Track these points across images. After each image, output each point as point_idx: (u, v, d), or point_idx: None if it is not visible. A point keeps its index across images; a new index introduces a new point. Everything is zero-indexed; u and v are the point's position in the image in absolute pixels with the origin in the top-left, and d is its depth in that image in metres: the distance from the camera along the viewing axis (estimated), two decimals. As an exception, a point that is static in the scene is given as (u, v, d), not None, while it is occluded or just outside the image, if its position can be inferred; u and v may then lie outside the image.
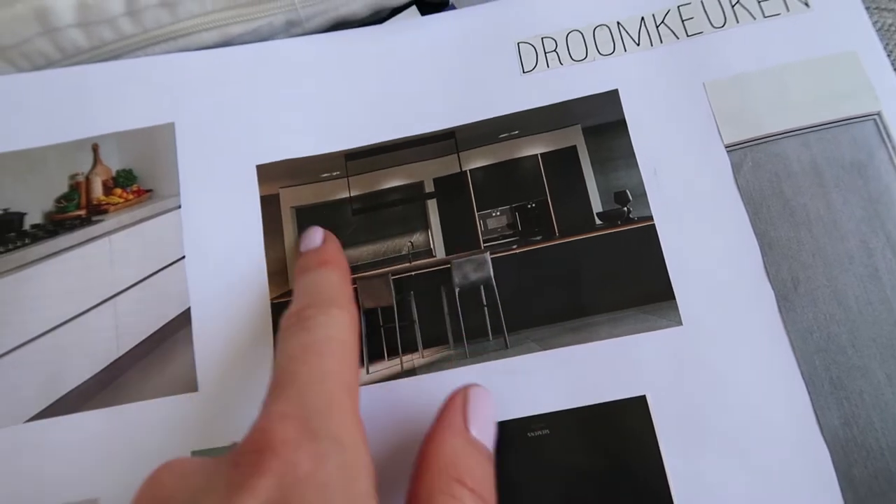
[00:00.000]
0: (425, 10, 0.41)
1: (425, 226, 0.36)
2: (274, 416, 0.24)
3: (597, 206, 0.35)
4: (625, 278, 0.34)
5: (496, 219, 0.36)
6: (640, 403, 0.31)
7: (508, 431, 0.32)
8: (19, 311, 0.35)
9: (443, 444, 0.27)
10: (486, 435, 0.28)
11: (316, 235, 0.34)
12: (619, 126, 0.36)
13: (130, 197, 0.37)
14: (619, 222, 0.35)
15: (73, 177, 0.37)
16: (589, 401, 0.32)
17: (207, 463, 0.25)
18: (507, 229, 0.36)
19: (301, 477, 0.22)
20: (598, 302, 0.33)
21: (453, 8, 0.41)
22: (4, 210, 0.36)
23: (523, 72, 0.38)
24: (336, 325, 0.28)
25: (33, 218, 0.37)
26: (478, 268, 0.35)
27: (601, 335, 0.32)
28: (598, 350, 0.32)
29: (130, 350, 0.34)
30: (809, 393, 0.31)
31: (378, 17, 0.42)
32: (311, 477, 0.22)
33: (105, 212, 0.37)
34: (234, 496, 0.22)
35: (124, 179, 0.37)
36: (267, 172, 0.37)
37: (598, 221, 0.35)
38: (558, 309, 0.33)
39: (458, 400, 0.29)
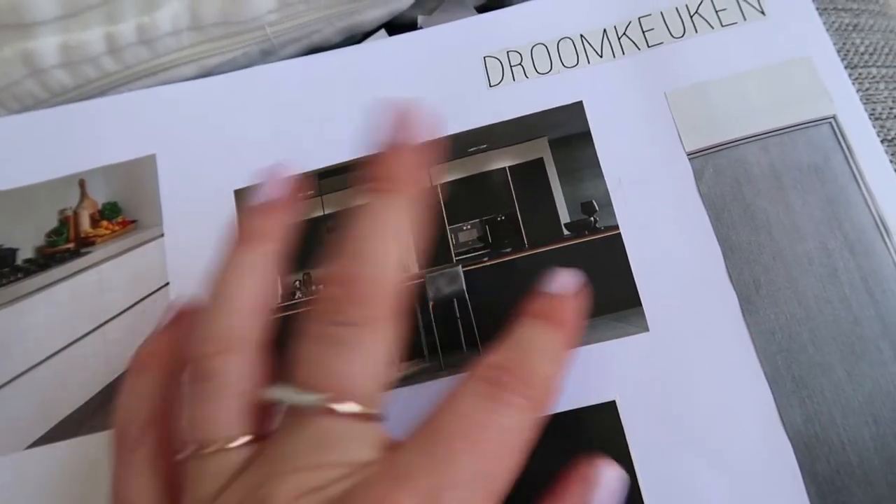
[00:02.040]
0: (393, 32, 0.41)
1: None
2: (406, 490, 0.20)
3: (564, 216, 0.35)
4: (593, 287, 0.34)
5: (467, 232, 0.36)
6: (610, 408, 0.32)
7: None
8: (18, 341, 0.36)
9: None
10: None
11: (564, 280, 0.27)
12: (584, 137, 0.36)
13: (116, 228, 0.38)
14: (587, 232, 0.35)
15: (62, 212, 0.38)
16: (560, 408, 0.32)
17: None
18: (478, 242, 0.36)
19: None
20: (568, 311, 0.33)
21: (421, 29, 0.41)
22: (-2, 246, 0.37)
23: (490, 85, 0.38)
24: (526, 415, 0.23)
25: (25, 253, 0.37)
26: (451, 281, 0.35)
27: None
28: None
29: (122, 374, 0.35)
30: (773, 392, 0.31)
31: (351, 42, 0.42)
32: None
33: (93, 244, 0.37)
34: None
35: (110, 212, 0.38)
36: (245, 196, 0.37)
37: (565, 232, 0.35)
38: (529, 319, 0.33)
39: (587, 479, 0.25)
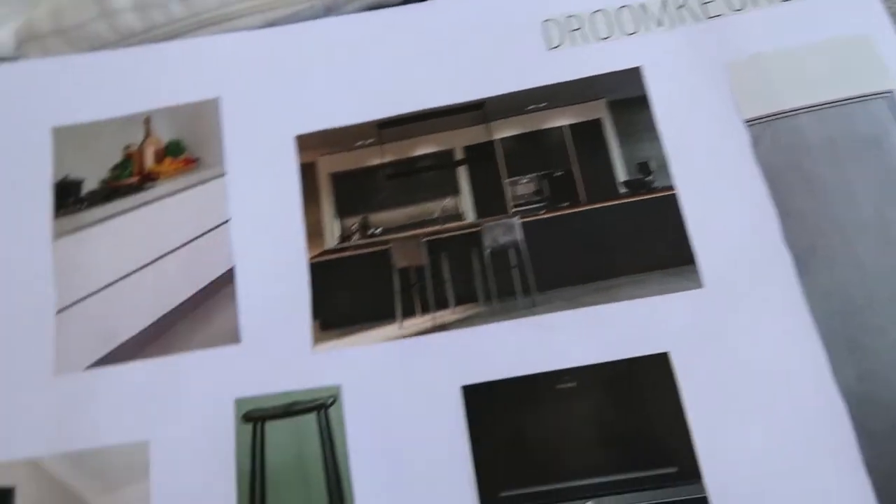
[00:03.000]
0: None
1: (456, 191, 0.37)
2: None
3: (621, 175, 0.35)
4: (647, 243, 0.34)
5: (524, 185, 0.37)
6: (662, 360, 0.32)
7: (538, 384, 0.32)
8: (79, 268, 0.36)
9: None
10: None
11: None
12: (642, 101, 0.36)
13: (179, 165, 0.38)
14: (642, 191, 0.35)
15: (126, 148, 0.38)
16: (614, 356, 0.32)
17: None
18: (535, 196, 0.37)
19: None
20: (623, 265, 0.34)
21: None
22: (64, 177, 0.38)
23: (549, 48, 0.38)
24: None
25: (90, 185, 0.38)
26: (507, 231, 0.35)
27: (625, 295, 0.33)
28: (622, 309, 0.33)
29: (178, 305, 0.35)
30: (826, 350, 0.31)
31: (409, 2, 0.43)
32: None
33: (156, 179, 0.38)
34: None
35: (174, 149, 0.38)
36: (305, 142, 0.37)
37: (622, 190, 0.35)
38: (584, 270, 0.34)
39: None
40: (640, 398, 0.31)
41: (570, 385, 0.32)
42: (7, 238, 0.36)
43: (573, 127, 0.37)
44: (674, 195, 0.34)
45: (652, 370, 0.31)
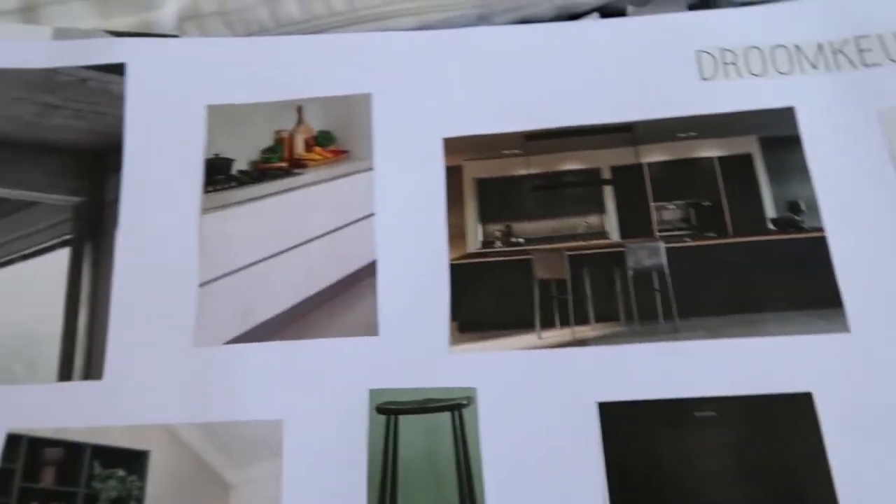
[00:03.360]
0: (605, 17, 0.43)
1: (601, 209, 0.38)
2: None
3: (770, 212, 0.36)
4: (793, 282, 0.34)
5: (671, 211, 0.37)
6: (805, 400, 0.32)
7: (676, 410, 0.32)
8: (223, 244, 0.37)
9: None
10: None
11: None
12: (793, 141, 0.37)
13: (328, 155, 0.39)
14: (791, 230, 0.35)
15: (278, 132, 0.40)
16: (755, 390, 0.32)
17: None
18: (682, 222, 0.37)
19: None
20: (767, 300, 0.34)
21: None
22: (215, 155, 0.39)
23: (702, 78, 0.39)
24: None
25: (240, 165, 0.39)
26: (651, 254, 0.36)
27: (769, 331, 0.33)
28: (766, 344, 0.33)
29: (319, 292, 0.36)
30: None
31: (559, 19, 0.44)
32: None
33: (305, 166, 0.39)
34: None
35: (324, 139, 0.40)
36: (453, 145, 0.38)
37: (770, 226, 0.36)
38: (728, 302, 0.34)
39: None
40: (781, 434, 0.31)
41: (709, 414, 0.32)
42: (159, 208, 0.38)
43: (723, 159, 0.37)
44: (823, 237, 0.35)
45: (794, 408, 0.32)
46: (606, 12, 0.44)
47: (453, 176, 0.38)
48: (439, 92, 0.40)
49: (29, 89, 0.40)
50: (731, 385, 0.33)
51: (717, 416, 0.32)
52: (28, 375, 0.36)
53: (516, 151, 0.38)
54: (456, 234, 0.37)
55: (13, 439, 0.34)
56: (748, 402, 0.32)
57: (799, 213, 0.36)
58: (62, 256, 0.38)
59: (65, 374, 0.36)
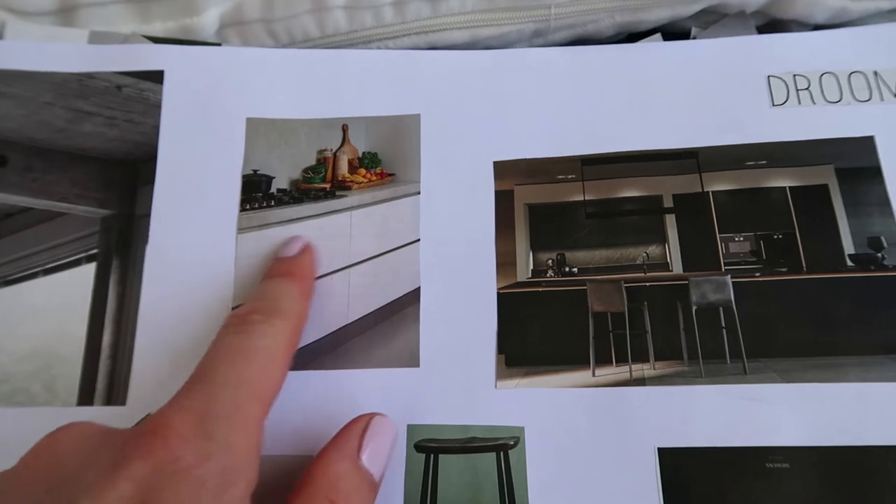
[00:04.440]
0: (668, 38, 0.42)
1: (662, 239, 0.37)
2: (176, 407, 0.25)
3: (848, 247, 0.35)
4: (876, 324, 0.33)
5: (739, 244, 0.36)
6: (891, 454, 0.30)
7: (745, 459, 0.31)
8: (259, 267, 0.37)
9: (329, 463, 0.27)
10: (375, 465, 0.28)
11: (294, 245, 0.35)
12: (874, 172, 0.35)
13: (373, 178, 0.39)
14: (873, 267, 0.34)
15: (321, 152, 0.39)
16: (836, 442, 0.31)
17: (106, 434, 0.25)
18: (751, 256, 0.36)
19: (179, 469, 0.23)
20: (847, 343, 0.32)
21: (695, 40, 0.42)
22: (254, 171, 0.38)
23: (773, 105, 0.38)
24: (273, 335, 0.29)
25: (280, 183, 0.39)
26: (717, 289, 0.34)
27: (850, 377, 0.32)
28: (847, 392, 0.31)
29: (359, 319, 0.35)
30: None
31: (617, 40, 0.43)
32: (190, 471, 0.23)
33: (348, 188, 0.38)
34: (112, 472, 0.22)
35: (369, 161, 0.39)
36: (503, 169, 0.38)
37: (849, 263, 0.34)
38: (802, 343, 0.33)
39: (358, 425, 0.29)
40: (866, 490, 0.30)
41: (782, 465, 0.30)
42: (192, 225, 0.37)
43: (796, 189, 0.36)
44: (906, 276, 0.33)
45: (880, 462, 0.30)
46: (668, 31, 0.43)
47: (504, 201, 0.37)
48: (491, 113, 0.39)
49: (61, 94, 0.40)
50: (809, 435, 0.31)
51: (790, 468, 0.30)
52: (47, 398, 0.35)
53: (571, 176, 0.37)
54: (505, 262, 0.36)
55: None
56: (827, 455, 0.30)
57: (880, 250, 0.34)
58: (87, 272, 0.38)
59: (85, 397, 0.35)
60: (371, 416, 0.30)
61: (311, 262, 0.35)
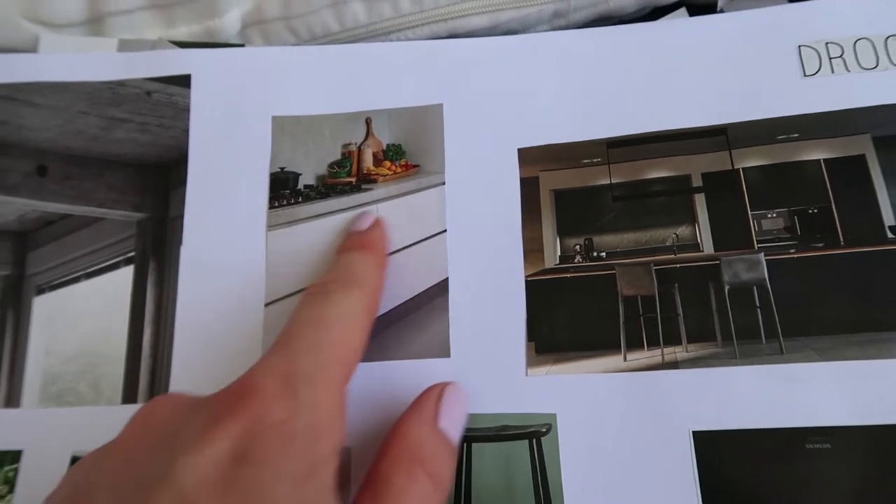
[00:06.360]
0: (693, 12, 0.42)
1: (692, 219, 0.37)
2: (264, 368, 0.27)
3: (888, 219, 0.34)
4: (915, 300, 0.32)
5: (772, 220, 0.36)
6: (935, 431, 0.30)
7: (783, 441, 0.31)
8: (289, 263, 0.38)
9: (411, 428, 0.29)
10: (453, 430, 0.31)
11: (366, 220, 0.37)
12: (914, 139, 0.35)
13: (398, 170, 0.40)
14: (915, 239, 0.33)
15: (346, 146, 0.40)
16: (879, 420, 0.30)
17: (198, 400, 0.27)
18: (785, 232, 0.36)
19: (270, 424, 0.24)
20: (889, 319, 0.32)
21: (722, 13, 0.41)
22: (281, 168, 0.40)
23: (804, 75, 0.37)
24: (352, 303, 0.31)
25: (307, 179, 0.40)
26: (751, 268, 0.34)
27: (894, 353, 0.31)
28: (891, 368, 0.31)
29: (389, 311, 0.37)
30: None
31: (641, 15, 0.43)
32: (280, 426, 0.25)
33: (374, 181, 0.40)
34: (207, 431, 0.24)
35: (393, 153, 0.40)
36: (528, 155, 0.38)
37: (889, 235, 0.34)
38: (842, 320, 0.33)
39: (434, 392, 0.31)
40: (907, 471, 0.29)
41: (822, 446, 0.30)
42: (224, 224, 0.39)
43: (830, 161, 0.36)
44: (950, 247, 0.33)
45: (923, 441, 0.30)
46: (693, 3, 0.43)
47: (529, 188, 0.37)
48: (513, 100, 0.40)
49: (94, 103, 0.42)
50: (849, 414, 0.31)
51: (831, 449, 0.30)
52: (93, 397, 0.37)
53: (597, 160, 0.38)
54: (532, 248, 0.36)
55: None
56: (870, 433, 0.30)
57: (921, 221, 0.34)
58: (126, 274, 0.40)
59: (129, 395, 0.37)
60: (445, 384, 0.32)
61: (383, 234, 0.37)
